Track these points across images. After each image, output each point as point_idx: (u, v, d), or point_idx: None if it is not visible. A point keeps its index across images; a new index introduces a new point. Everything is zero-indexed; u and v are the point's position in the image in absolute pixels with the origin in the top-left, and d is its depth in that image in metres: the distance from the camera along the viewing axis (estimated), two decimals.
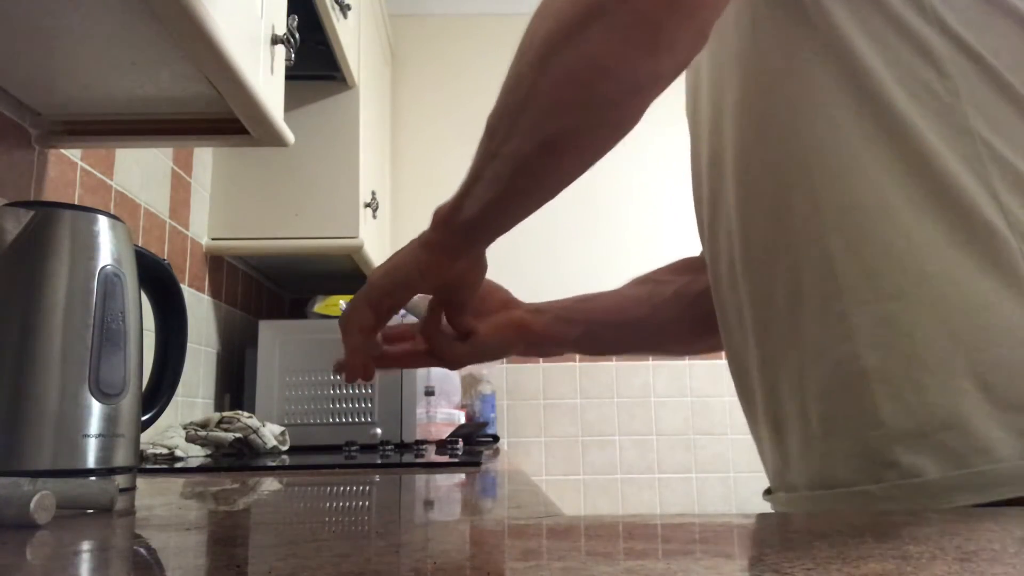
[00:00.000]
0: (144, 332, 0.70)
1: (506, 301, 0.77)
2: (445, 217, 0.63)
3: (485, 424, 2.27)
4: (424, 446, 1.61)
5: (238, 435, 1.35)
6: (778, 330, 0.57)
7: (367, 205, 1.98)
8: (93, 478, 0.62)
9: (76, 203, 1.19)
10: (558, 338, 0.77)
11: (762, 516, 0.45)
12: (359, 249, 1.88)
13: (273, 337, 1.78)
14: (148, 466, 1.10)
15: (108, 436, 0.63)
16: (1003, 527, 0.36)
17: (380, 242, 2.27)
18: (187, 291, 1.67)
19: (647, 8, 0.49)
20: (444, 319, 0.72)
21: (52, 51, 0.94)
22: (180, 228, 1.66)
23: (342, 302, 2.01)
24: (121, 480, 0.65)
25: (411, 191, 2.83)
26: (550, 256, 2.89)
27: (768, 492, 0.64)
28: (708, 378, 2.82)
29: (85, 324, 0.63)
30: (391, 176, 2.77)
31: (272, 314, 2.35)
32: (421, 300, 0.72)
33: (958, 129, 0.51)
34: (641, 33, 0.49)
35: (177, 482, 0.84)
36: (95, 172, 1.28)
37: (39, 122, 1.10)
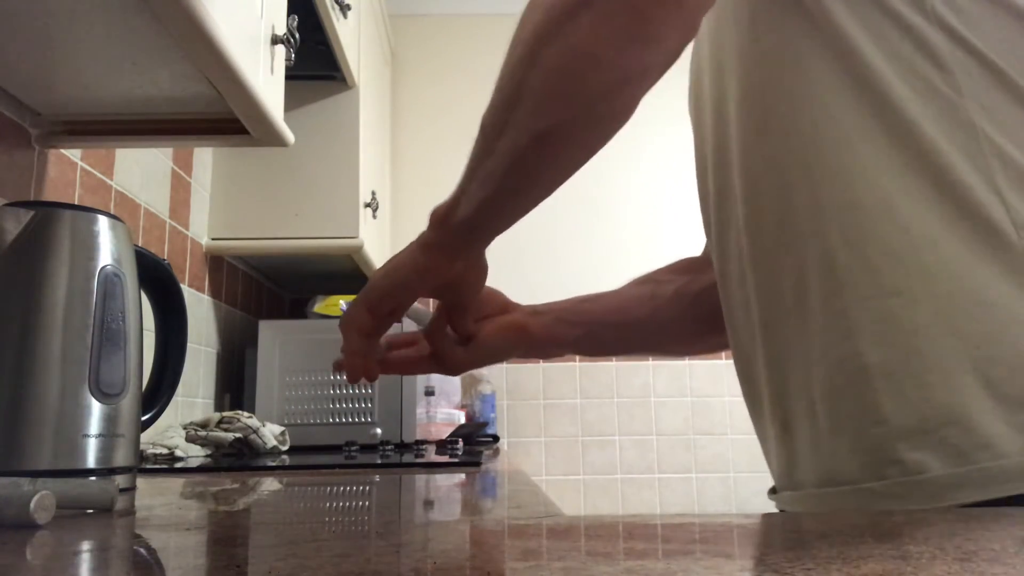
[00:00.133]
0: (144, 332, 0.70)
1: (504, 304, 0.77)
2: (442, 217, 0.63)
3: (485, 424, 2.27)
4: (424, 446, 1.61)
5: (238, 435, 1.35)
6: (785, 327, 0.57)
7: (367, 205, 1.98)
8: (93, 478, 0.62)
9: (76, 203, 1.19)
10: (558, 339, 0.77)
11: (762, 516, 0.45)
12: (359, 249, 1.88)
13: (273, 337, 1.78)
14: (148, 466, 1.10)
15: (108, 436, 0.63)
16: (1003, 527, 0.36)
17: (380, 242, 2.27)
18: (187, 291, 1.67)
19: None
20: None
21: (52, 51, 0.94)
22: (180, 228, 1.66)
23: (342, 302, 2.01)
24: (121, 480, 0.65)
25: (411, 191, 2.83)
26: (550, 256, 2.89)
27: (773, 491, 0.64)
28: (708, 378, 2.82)
29: (85, 324, 0.63)
30: (391, 176, 2.77)
31: (272, 314, 2.35)
32: (423, 307, 0.72)
33: (960, 124, 0.51)
34: (629, 23, 0.50)
35: (177, 482, 0.84)
36: (95, 172, 1.28)
37: (39, 122, 1.10)
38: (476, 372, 2.68)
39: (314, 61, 1.76)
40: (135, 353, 0.67)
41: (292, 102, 1.24)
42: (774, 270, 0.58)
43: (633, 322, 0.79)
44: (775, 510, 0.62)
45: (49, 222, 0.64)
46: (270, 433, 1.40)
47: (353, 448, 1.36)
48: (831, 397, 0.53)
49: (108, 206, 1.33)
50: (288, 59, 1.16)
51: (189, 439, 1.33)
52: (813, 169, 0.55)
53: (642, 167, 2.96)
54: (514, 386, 2.82)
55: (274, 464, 1.18)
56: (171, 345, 0.81)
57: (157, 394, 0.79)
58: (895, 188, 0.51)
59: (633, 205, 2.95)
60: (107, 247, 0.66)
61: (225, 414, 1.39)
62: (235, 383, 1.90)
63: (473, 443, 1.80)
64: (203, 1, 0.80)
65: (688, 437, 2.82)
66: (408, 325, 0.73)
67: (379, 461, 1.15)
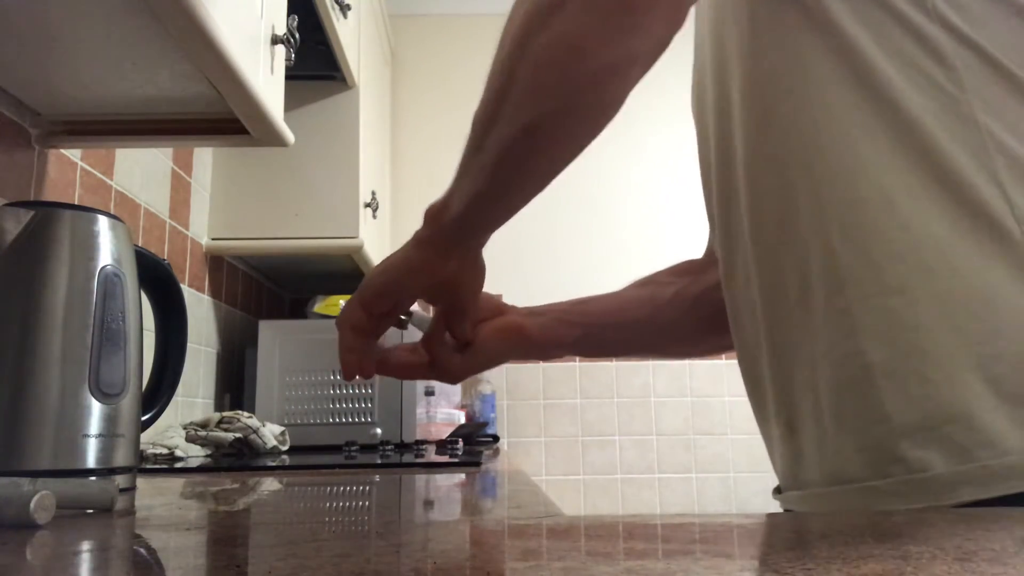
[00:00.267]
0: (144, 332, 0.70)
1: (499, 307, 0.76)
2: (435, 214, 0.63)
3: (485, 424, 2.27)
4: (424, 446, 1.61)
5: (238, 435, 1.35)
6: (789, 326, 0.57)
7: (367, 205, 1.98)
8: (93, 478, 0.62)
9: (76, 203, 1.19)
10: (556, 340, 0.76)
11: (762, 516, 0.45)
12: (359, 249, 1.88)
13: (273, 337, 1.78)
14: (148, 466, 1.10)
15: (108, 436, 0.63)
16: (1003, 527, 0.36)
17: (380, 242, 2.27)
18: (187, 291, 1.67)
19: None
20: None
21: (52, 51, 0.94)
22: (180, 228, 1.66)
23: (342, 302, 2.01)
24: (121, 480, 0.65)
25: (411, 191, 2.83)
26: (550, 256, 2.89)
27: (778, 491, 0.64)
28: (708, 378, 2.82)
29: (85, 324, 0.63)
30: (391, 176, 2.77)
31: (272, 314, 2.35)
32: (425, 313, 0.72)
33: (962, 120, 0.51)
34: (614, 12, 0.50)
35: (177, 482, 0.84)
36: (95, 172, 1.28)
37: (39, 122, 1.10)
38: None
39: (314, 61, 1.76)
40: (135, 353, 0.67)
41: (292, 102, 1.24)
42: (777, 269, 0.58)
43: (632, 323, 0.78)
44: (775, 509, 0.62)
45: (49, 222, 0.64)
46: (270, 433, 1.40)
47: (353, 448, 1.36)
48: (835, 396, 0.53)
49: (108, 206, 1.33)
50: (288, 59, 1.17)
51: (189, 439, 1.33)
52: (815, 167, 0.54)
53: (642, 166, 2.96)
54: (514, 386, 2.82)
55: (274, 464, 1.18)
56: (171, 345, 0.81)
57: (157, 394, 0.79)
58: (897, 185, 0.51)
59: (633, 205, 2.96)
60: (107, 247, 0.66)
61: (225, 414, 1.39)
62: (235, 383, 1.90)
63: (473, 443, 1.80)
64: (203, 1, 0.80)
65: (688, 437, 2.82)
66: (412, 333, 0.72)
67: (379, 461, 1.15)
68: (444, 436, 1.72)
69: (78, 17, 0.86)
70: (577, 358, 2.85)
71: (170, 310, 0.81)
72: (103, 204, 1.31)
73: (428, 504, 0.63)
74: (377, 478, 0.92)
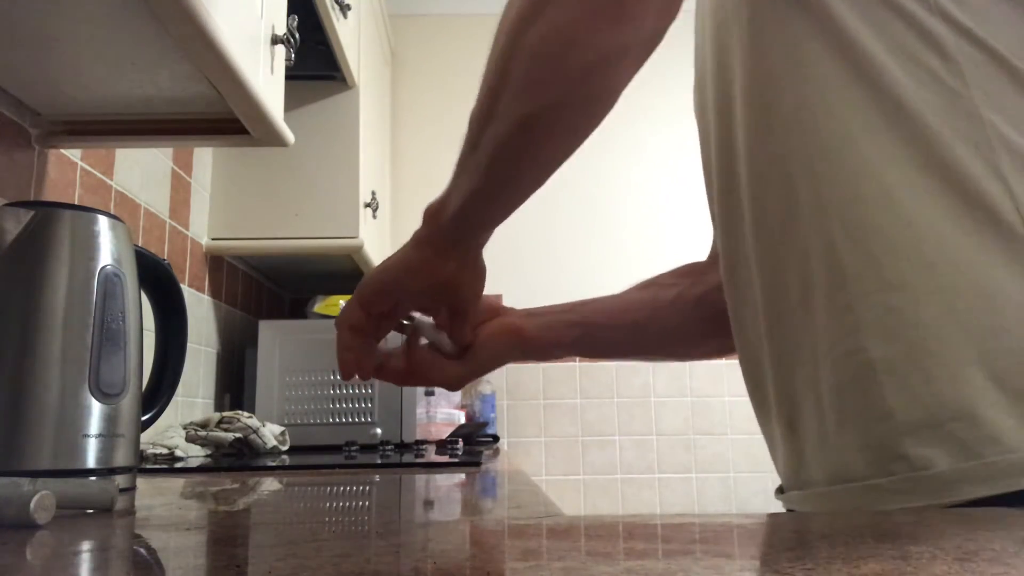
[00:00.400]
0: (144, 332, 0.70)
1: (495, 308, 0.75)
2: (434, 213, 0.63)
3: (485, 424, 2.27)
4: (424, 446, 1.61)
5: (238, 435, 1.35)
6: (790, 324, 0.57)
7: (367, 205, 1.98)
8: (93, 478, 0.62)
9: (76, 203, 1.19)
10: (555, 341, 0.75)
11: (762, 516, 0.45)
12: (359, 249, 1.88)
13: (273, 337, 1.78)
14: (148, 466, 1.10)
15: (108, 436, 0.63)
16: (1003, 527, 0.36)
17: (380, 242, 2.27)
18: (187, 291, 1.67)
19: None
20: (440, 338, 0.71)
21: (52, 51, 0.94)
22: (180, 228, 1.66)
23: (342, 302, 2.01)
24: (121, 480, 0.65)
25: (411, 191, 2.83)
26: (550, 257, 2.89)
27: (780, 491, 0.64)
28: (708, 378, 2.82)
29: (85, 324, 0.63)
30: (391, 176, 2.77)
31: (272, 314, 2.35)
32: (427, 319, 0.71)
33: (965, 114, 0.50)
34: (607, 4, 0.50)
35: (177, 482, 0.84)
36: (95, 172, 1.28)
37: (39, 122, 1.10)
38: None
39: (314, 61, 1.76)
40: (135, 353, 0.67)
41: (292, 102, 1.24)
42: (779, 267, 0.58)
43: (632, 324, 0.78)
44: (775, 509, 0.62)
45: (49, 222, 0.64)
46: (270, 433, 1.40)
47: (353, 448, 1.36)
48: (837, 393, 0.53)
49: (108, 206, 1.33)
50: (288, 59, 1.17)
51: (189, 439, 1.33)
52: (816, 164, 0.54)
53: (642, 166, 2.96)
54: (514, 386, 2.82)
55: (274, 464, 1.18)
56: (171, 345, 0.81)
57: (157, 394, 0.79)
58: (898, 181, 0.51)
59: (633, 205, 2.95)
60: (107, 247, 0.66)
61: (225, 414, 1.39)
62: (235, 383, 1.90)
63: (473, 443, 1.80)
64: (203, 1, 0.80)
65: (688, 437, 2.82)
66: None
67: (379, 461, 1.15)
68: (444, 436, 1.72)
69: (78, 17, 0.86)
70: (577, 358, 2.85)
71: (170, 310, 0.81)
72: (103, 204, 1.31)
73: (428, 504, 0.63)
74: (377, 478, 0.92)
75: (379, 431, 1.73)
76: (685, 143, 2.86)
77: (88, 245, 0.65)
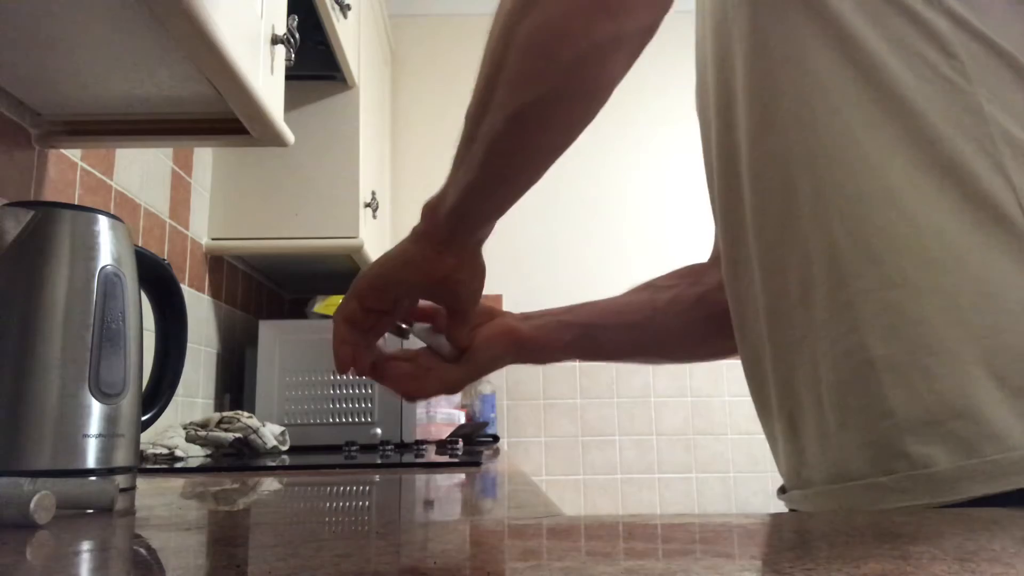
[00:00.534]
0: (144, 332, 0.70)
1: (491, 311, 0.74)
2: (432, 208, 0.63)
3: (485, 424, 2.27)
4: (424, 446, 1.61)
5: (238, 435, 1.35)
6: (791, 322, 0.57)
7: (367, 205, 1.98)
8: (93, 478, 0.62)
9: (76, 203, 1.19)
10: (552, 343, 0.74)
11: (762, 516, 0.45)
12: (359, 249, 1.88)
13: (273, 337, 1.78)
14: (148, 466, 1.10)
15: (108, 436, 0.63)
16: (1003, 527, 0.36)
17: (380, 242, 2.27)
18: (187, 291, 1.66)
19: None
20: (438, 341, 0.71)
21: (52, 51, 0.94)
22: (180, 228, 1.66)
23: None
24: (121, 480, 0.65)
25: (411, 191, 2.83)
26: (550, 258, 2.89)
27: (783, 491, 0.64)
28: (708, 378, 2.82)
29: (85, 324, 0.63)
30: (391, 176, 2.77)
31: (272, 314, 2.35)
32: (426, 324, 0.71)
33: (968, 109, 0.50)
34: None
35: (177, 482, 0.84)
36: (95, 172, 1.28)
37: (39, 122, 1.10)
38: None
39: (314, 61, 1.76)
40: (135, 353, 0.67)
41: (292, 102, 1.24)
42: (780, 264, 0.57)
43: (629, 325, 0.77)
44: (775, 509, 0.62)
45: (49, 222, 0.64)
46: (270, 433, 1.40)
47: (353, 448, 1.36)
48: (838, 391, 0.53)
49: (108, 206, 1.33)
50: (288, 59, 1.17)
51: (189, 439, 1.33)
52: (817, 161, 0.54)
53: (642, 167, 2.96)
54: (514, 386, 2.82)
55: (274, 464, 1.18)
56: (171, 345, 0.81)
57: (157, 394, 0.79)
58: (900, 178, 0.51)
59: (633, 205, 2.96)
60: (107, 247, 0.66)
61: (225, 414, 1.39)
62: (235, 383, 1.90)
63: (473, 443, 1.80)
64: (203, 1, 0.80)
65: (688, 437, 2.82)
66: (412, 343, 0.72)
67: (379, 461, 1.15)
68: (444, 436, 1.72)
69: (78, 17, 0.86)
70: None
71: (170, 310, 0.81)
72: (103, 204, 1.31)
73: (428, 504, 0.63)
74: (377, 478, 0.92)
75: (379, 431, 1.73)
76: (685, 143, 2.87)
77: (88, 245, 0.65)
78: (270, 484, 0.83)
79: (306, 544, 0.36)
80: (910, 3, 0.52)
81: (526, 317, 0.75)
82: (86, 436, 0.62)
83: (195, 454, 1.31)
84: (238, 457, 1.32)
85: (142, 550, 0.38)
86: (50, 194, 1.14)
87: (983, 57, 0.51)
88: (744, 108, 0.60)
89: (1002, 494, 0.45)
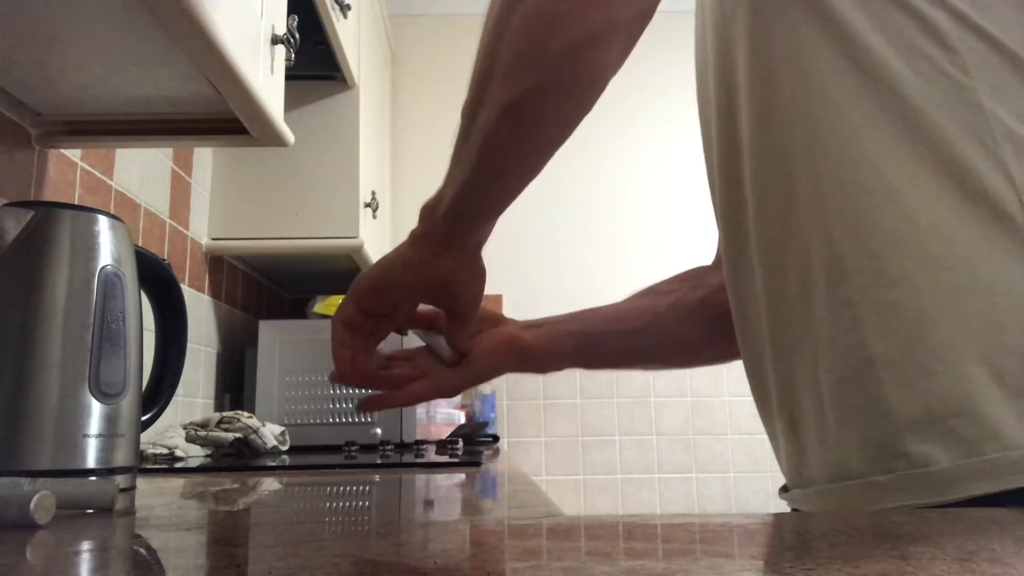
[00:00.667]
0: (144, 332, 0.70)
1: (493, 317, 0.74)
2: (430, 209, 0.63)
3: (485, 424, 2.27)
4: (424, 446, 1.61)
5: (238, 435, 1.35)
6: (791, 320, 0.57)
7: (367, 205, 1.98)
8: (93, 478, 0.62)
9: (76, 203, 1.19)
10: (554, 351, 0.74)
11: (762, 516, 0.45)
12: (359, 249, 1.88)
13: (273, 337, 1.78)
14: (148, 466, 1.10)
15: (108, 436, 0.63)
16: (1003, 527, 0.36)
17: (380, 242, 2.27)
18: (187, 291, 1.67)
19: None
20: (439, 343, 0.71)
21: (52, 51, 0.94)
22: (180, 228, 1.66)
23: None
24: (121, 480, 0.65)
25: (411, 191, 2.83)
26: (549, 258, 2.89)
27: (784, 490, 0.64)
28: (708, 378, 2.82)
29: (85, 324, 0.63)
30: (391, 176, 2.77)
31: (272, 314, 2.35)
32: (429, 333, 0.71)
33: (968, 106, 0.50)
34: None
35: (177, 482, 0.84)
36: (95, 172, 1.28)
37: (39, 122, 1.10)
38: None
39: (314, 61, 1.76)
40: (135, 353, 0.67)
41: (292, 102, 1.24)
42: (780, 263, 0.57)
43: (631, 331, 0.76)
44: (775, 509, 0.62)
45: (49, 222, 0.64)
46: (270, 433, 1.40)
47: (353, 448, 1.36)
48: (837, 390, 0.53)
49: (108, 206, 1.33)
50: (288, 59, 1.17)
51: (189, 439, 1.33)
52: (817, 158, 0.54)
53: (642, 167, 2.96)
54: (514, 386, 2.82)
55: (274, 464, 1.18)
56: (171, 345, 0.81)
57: (157, 394, 0.79)
58: (899, 174, 0.51)
59: (633, 206, 2.95)
60: (107, 247, 0.66)
61: (225, 414, 1.39)
62: (235, 383, 1.90)
63: (473, 443, 1.80)
64: (203, 1, 0.80)
65: (688, 437, 2.82)
66: (411, 340, 0.72)
67: (379, 461, 1.15)
68: (444, 436, 1.72)
69: (78, 17, 0.86)
70: None
71: (170, 310, 0.81)
72: (103, 204, 1.31)
73: (428, 504, 0.63)
74: (377, 478, 0.92)
75: (379, 431, 1.73)
76: (685, 143, 2.87)
77: (88, 245, 0.65)
78: (270, 484, 0.83)
79: (306, 544, 0.36)
80: (909, 0, 0.52)
81: (528, 326, 0.74)
82: (86, 436, 0.62)
83: (195, 454, 1.31)
84: (238, 457, 1.32)
85: (142, 550, 0.38)
86: (50, 194, 1.14)
87: (983, 53, 0.51)
88: (745, 106, 0.60)
89: (1002, 493, 0.45)
